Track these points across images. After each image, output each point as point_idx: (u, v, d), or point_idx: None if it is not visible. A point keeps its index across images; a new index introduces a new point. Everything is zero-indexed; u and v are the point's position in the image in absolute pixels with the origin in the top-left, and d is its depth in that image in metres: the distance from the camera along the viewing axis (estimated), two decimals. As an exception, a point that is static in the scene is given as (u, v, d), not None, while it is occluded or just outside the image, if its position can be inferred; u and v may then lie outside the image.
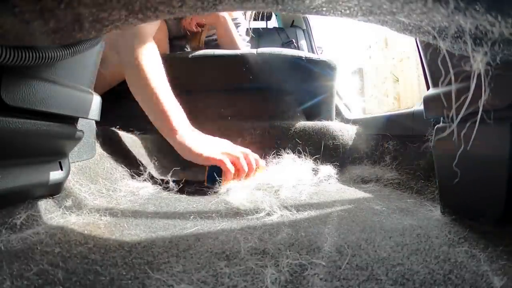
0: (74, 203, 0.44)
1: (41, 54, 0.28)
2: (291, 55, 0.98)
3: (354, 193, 0.61)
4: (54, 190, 0.41)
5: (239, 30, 1.23)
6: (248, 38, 1.31)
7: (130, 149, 0.76)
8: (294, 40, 1.86)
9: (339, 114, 1.30)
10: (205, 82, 0.98)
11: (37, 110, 0.33)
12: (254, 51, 0.97)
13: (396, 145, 0.78)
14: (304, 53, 1.02)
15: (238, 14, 1.28)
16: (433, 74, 0.47)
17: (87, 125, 0.55)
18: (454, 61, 0.38)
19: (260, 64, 0.96)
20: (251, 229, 0.37)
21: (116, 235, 0.35)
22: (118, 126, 0.80)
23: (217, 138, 0.72)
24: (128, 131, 0.83)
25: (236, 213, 0.45)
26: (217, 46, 1.18)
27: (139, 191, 0.60)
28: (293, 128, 0.90)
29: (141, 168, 0.75)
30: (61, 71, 0.38)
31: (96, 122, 0.56)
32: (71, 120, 0.42)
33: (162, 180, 0.72)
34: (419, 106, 0.71)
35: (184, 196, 0.58)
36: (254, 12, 1.31)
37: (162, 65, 0.74)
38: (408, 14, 0.24)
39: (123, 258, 0.28)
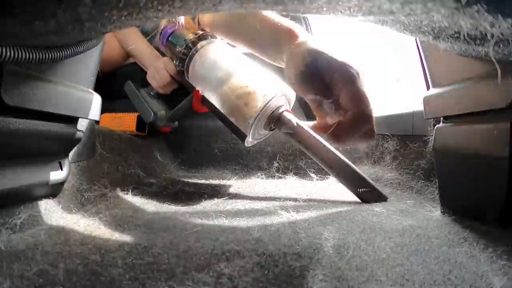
0: (74, 203, 0.44)
1: (41, 54, 0.28)
2: None
3: (354, 193, 0.60)
4: (54, 190, 0.41)
5: None
6: None
7: (130, 149, 0.76)
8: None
9: (339, 114, 1.29)
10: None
11: (37, 110, 0.33)
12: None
13: (396, 145, 0.78)
14: None
15: None
16: (433, 74, 0.47)
17: (87, 125, 0.55)
18: (454, 62, 0.38)
19: None
20: (251, 230, 0.37)
21: (116, 236, 0.35)
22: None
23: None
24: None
25: (236, 213, 0.45)
26: None
27: (139, 191, 0.60)
28: None
29: (141, 168, 0.75)
30: (61, 71, 0.38)
31: (96, 122, 0.55)
32: (71, 120, 0.42)
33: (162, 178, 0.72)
34: (419, 106, 0.71)
35: (184, 196, 0.58)
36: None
37: None
38: (408, 14, 0.24)
39: (123, 258, 0.28)
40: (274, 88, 0.54)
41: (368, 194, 0.54)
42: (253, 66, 0.59)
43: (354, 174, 0.55)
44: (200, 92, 0.64)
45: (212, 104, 0.60)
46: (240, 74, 0.56)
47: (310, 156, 0.57)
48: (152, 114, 0.81)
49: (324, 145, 0.55)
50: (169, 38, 0.70)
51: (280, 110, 0.55)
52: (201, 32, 0.67)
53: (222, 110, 0.58)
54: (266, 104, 0.52)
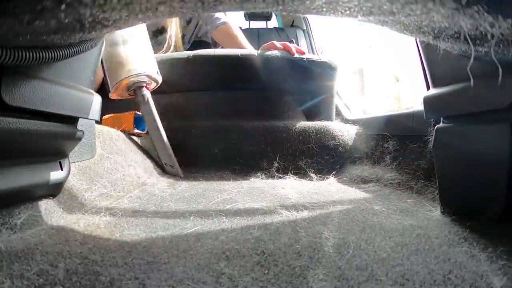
0: (74, 203, 0.44)
1: (41, 54, 0.28)
2: (291, 56, 0.98)
3: (354, 193, 0.61)
4: (55, 190, 0.41)
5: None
6: None
7: (130, 149, 0.76)
8: (294, 40, 1.86)
9: (339, 114, 1.29)
10: (205, 82, 0.98)
11: (37, 110, 0.33)
12: (255, 51, 0.97)
13: (396, 145, 0.78)
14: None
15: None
16: (433, 74, 0.47)
17: (87, 125, 0.55)
18: (454, 62, 0.38)
19: (260, 65, 0.96)
20: (251, 229, 0.37)
21: (116, 235, 0.35)
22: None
23: None
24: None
25: (236, 213, 0.45)
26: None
27: (139, 191, 0.60)
28: (293, 128, 0.90)
29: (141, 168, 0.75)
30: (61, 71, 0.38)
31: (96, 122, 0.55)
32: (71, 120, 0.42)
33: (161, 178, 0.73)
34: (419, 106, 0.71)
35: (184, 196, 0.58)
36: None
37: None
38: (409, 15, 0.24)
39: (123, 258, 0.28)
40: (140, 68, 0.77)
41: (170, 168, 0.80)
42: (139, 41, 0.79)
43: (167, 151, 0.79)
44: None
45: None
46: (126, 44, 0.76)
47: (147, 128, 0.82)
48: None
49: (157, 125, 0.79)
50: None
51: (139, 85, 0.78)
52: None
53: (105, 64, 0.76)
54: (126, 77, 0.75)
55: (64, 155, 0.43)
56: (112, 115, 0.89)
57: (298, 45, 1.87)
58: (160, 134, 0.79)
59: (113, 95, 0.79)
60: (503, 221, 0.34)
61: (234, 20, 1.26)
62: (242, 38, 1.17)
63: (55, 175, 0.40)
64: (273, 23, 2.29)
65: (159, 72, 0.82)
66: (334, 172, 0.83)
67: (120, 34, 0.75)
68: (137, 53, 0.77)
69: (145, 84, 0.78)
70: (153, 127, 0.79)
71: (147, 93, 0.78)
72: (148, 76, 0.78)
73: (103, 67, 0.76)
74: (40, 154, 0.38)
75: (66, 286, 0.23)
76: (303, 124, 0.92)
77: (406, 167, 0.69)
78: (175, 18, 1.07)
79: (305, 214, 0.44)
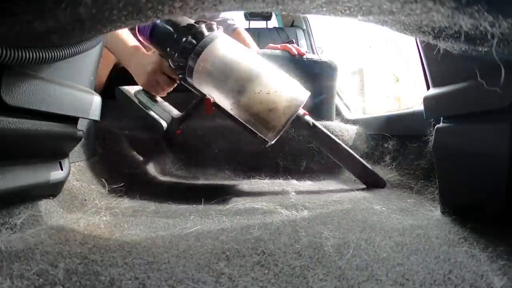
0: (74, 203, 0.44)
1: (41, 54, 0.28)
2: (291, 56, 0.98)
3: (354, 193, 0.61)
4: (55, 190, 0.41)
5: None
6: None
7: (130, 149, 0.76)
8: (294, 40, 1.86)
9: (339, 114, 1.29)
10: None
11: (37, 110, 0.33)
12: (255, 51, 0.97)
13: (396, 145, 0.78)
14: None
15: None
16: (433, 74, 0.47)
17: (87, 125, 0.55)
18: (454, 62, 0.38)
19: None
20: (251, 228, 0.37)
21: (116, 235, 0.35)
22: (119, 127, 0.81)
23: None
24: (127, 131, 0.83)
25: (236, 212, 0.45)
26: None
27: (139, 191, 0.60)
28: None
29: (141, 168, 0.75)
30: (61, 71, 0.38)
31: (96, 122, 0.55)
32: (71, 120, 0.42)
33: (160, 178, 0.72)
34: (419, 106, 0.71)
35: (184, 196, 0.58)
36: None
37: None
38: (408, 14, 0.24)
39: (123, 258, 0.28)
40: (297, 94, 0.55)
41: (370, 180, 0.66)
42: (268, 67, 0.56)
43: (359, 164, 0.66)
44: (211, 100, 0.58)
45: (226, 111, 0.57)
46: (261, 80, 0.52)
47: (324, 150, 0.69)
48: (165, 124, 0.69)
49: (336, 142, 0.65)
50: (154, 30, 0.58)
51: (301, 113, 0.59)
52: (193, 21, 0.56)
53: (240, 118, 0.56)
54: (293, 111, 0.53)
55: (64, 155, 0.43)
56: None
57: (298, 45, 1.87)
58: (350, 153, 0.65)
59: (274, 139, 0.58)
60: (503, 221, 0.34)
61: (234, 20, 1.27)
62: (251, 41, 1.18)
63: (55, 175, 0.40)
64: (273, 23, 2.29)
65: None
66: (334, 172, 0.83)
67: (249, 69, 0.52)
68: (278, 77, 0.55)
69: (304, 111, 0.59)
70: (336, 151, 0.65)
71: (309, 118, 0.60)
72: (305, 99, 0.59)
73: (240, 122, 0.57)
74: (40, 154, 0.38)
75: (66, 286, 0.23)
76: None
77: (406, 167, 0.69)
78: None
79: (305, 213, 0.44)
